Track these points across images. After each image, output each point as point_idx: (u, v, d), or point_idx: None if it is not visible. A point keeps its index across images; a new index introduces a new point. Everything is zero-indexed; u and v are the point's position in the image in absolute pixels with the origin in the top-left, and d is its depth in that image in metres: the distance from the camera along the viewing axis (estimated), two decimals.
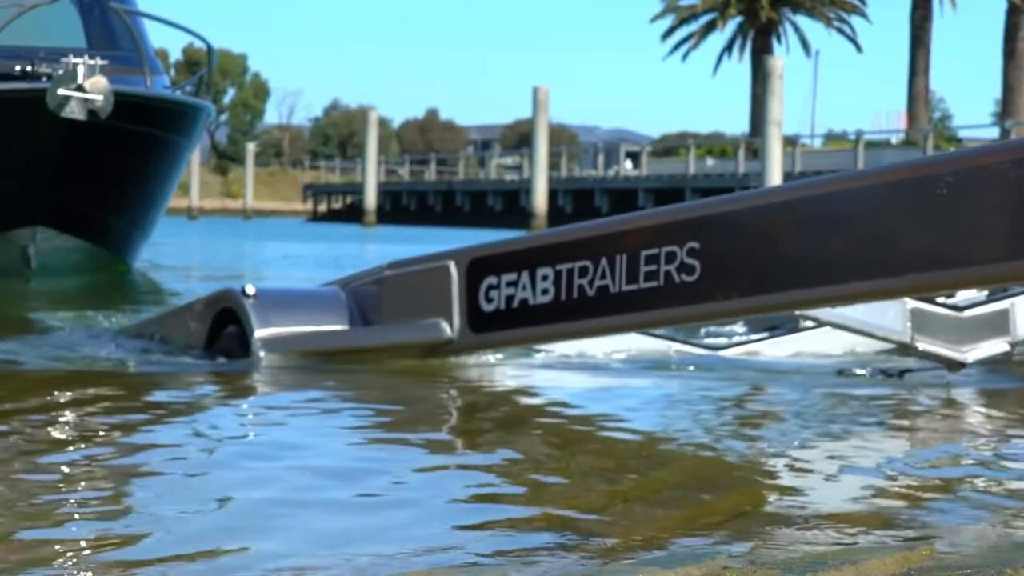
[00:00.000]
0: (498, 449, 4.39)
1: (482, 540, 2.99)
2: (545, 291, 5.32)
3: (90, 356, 6.74)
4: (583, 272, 5.18)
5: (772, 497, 3.60)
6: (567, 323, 5.30)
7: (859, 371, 6.45)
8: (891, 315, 5.96)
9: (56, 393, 5.43)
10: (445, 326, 5.79)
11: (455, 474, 3.92)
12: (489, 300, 5.58)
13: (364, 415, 5.05)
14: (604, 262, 5.09)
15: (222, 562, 2.77)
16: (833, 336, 6.88)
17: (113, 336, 7.68)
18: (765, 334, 7.08)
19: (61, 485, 3.59)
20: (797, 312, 5.95)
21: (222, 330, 6.46)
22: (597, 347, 6.73)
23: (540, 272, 5.34)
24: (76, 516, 3.20)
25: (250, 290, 6.27)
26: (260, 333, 6.17)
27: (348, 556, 2.81)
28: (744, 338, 7.20)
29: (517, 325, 5.48)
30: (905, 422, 5.26)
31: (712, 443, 4.57)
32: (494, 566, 2.72)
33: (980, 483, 3.83)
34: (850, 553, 2.76)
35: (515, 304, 5.46)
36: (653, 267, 4.91)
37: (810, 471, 4.04)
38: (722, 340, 7.20)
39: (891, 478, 3.93)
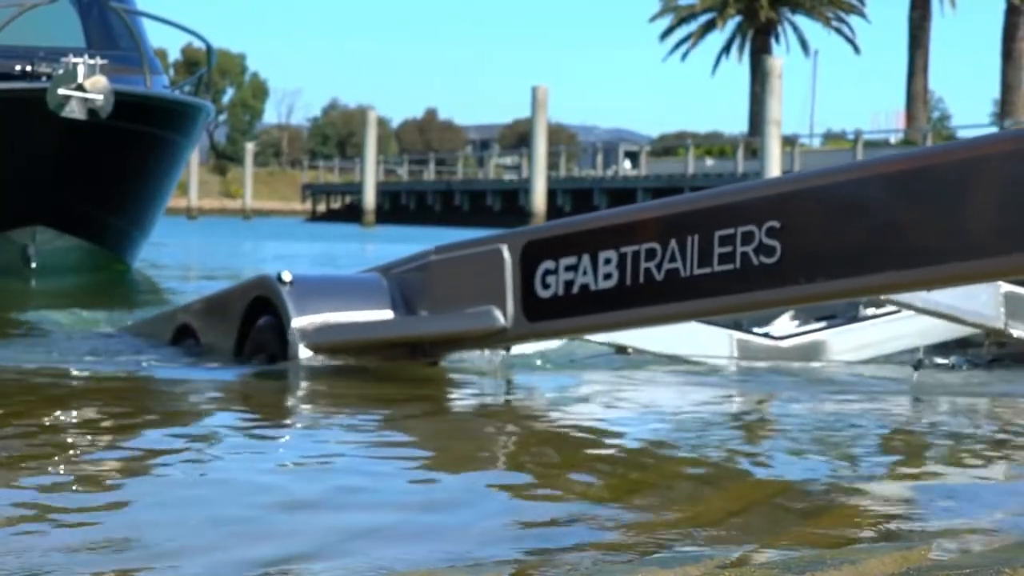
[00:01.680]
0: (494, 448, 4.39)
1: (480, 540, 2.99)
2: (608, 276, 4.97)
3: (113, 360, 6.53)
4: (650, 255, 4.83)
5: (771, 497, 3.60)
6: (632, 310, 4.96)
7: (941, 360, 6.24)
8: (983, 299, 5.66)
9: (69, 408, 5.17)
10: (498, 314, 5.39)
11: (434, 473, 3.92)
12: (546, 286, 5.21)
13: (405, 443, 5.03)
14: (673, 244, 4.74)
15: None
16: (900, 324, 6.59)
17: (134, 336, 7.45)
18: (822, 323, 6.76)
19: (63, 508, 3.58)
20: (883, 297, 5.64)
21: (255, 321, 6.16)
22: (652, 338, 6.33)
23: (602, 255, 4.99)
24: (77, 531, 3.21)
25: (286, 276, 5.91)
26: (298, 322, 5.83)
27: (345, 556, 2.81)
28: (808, 328, 6.82)
29: (576, 313, 5.12)
30: (905, 422, 5.26)
31: (712, 442, 4.57)
32: (491, 566, 2.72)
33: (980, 482, 3.84)
34: (849, 553, 2.76)
35: (575, 290, 5.09)
36: (728, 248, 4.58)
37: (809, 471, 4.03)
38: (785, 329, 6.85)
39: (890, 478, 3.93)
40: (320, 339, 5.80)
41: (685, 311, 4.89)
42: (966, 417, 5.34)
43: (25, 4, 15.48)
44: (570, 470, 3.99)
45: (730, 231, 4.57)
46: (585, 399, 5.65)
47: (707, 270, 4.65)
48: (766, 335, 6.67)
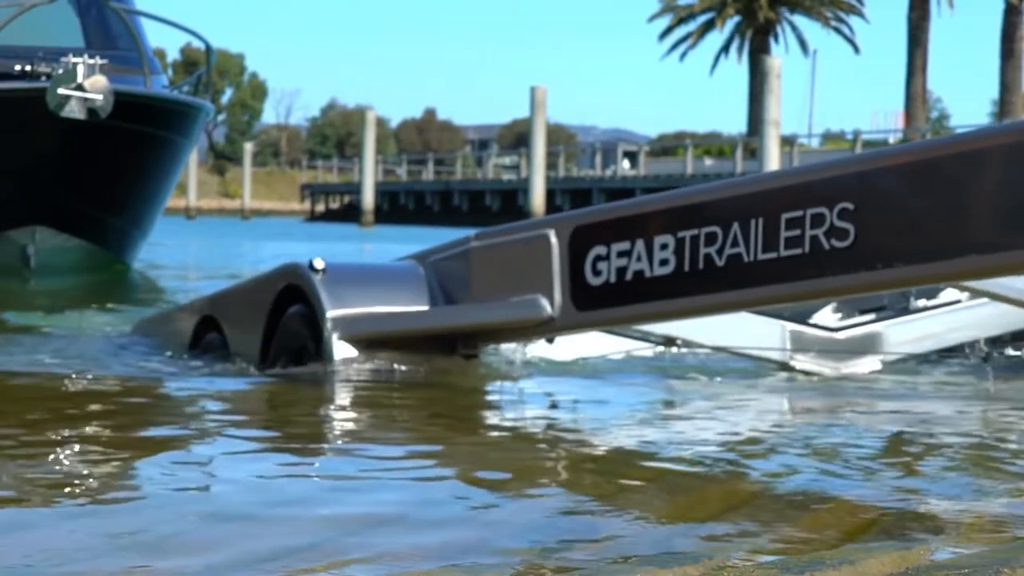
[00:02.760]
0: (490, 448, 4.39)
1: (478, 540, 2.99)
2: (664, 262, 4.69)
3: (135, 365, 6.37)
4: (710, 239, 4.55)
5: (770, 496, 3.60)
6: (690, 298, 4.68)
7: (1014, 352, 6.09)
8: None
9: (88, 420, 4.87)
10: (544, 303, 5.10)
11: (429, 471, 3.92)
12: (597, 273, 4.92)
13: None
14: (736, 228, 4.47)
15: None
16: (960, 315, 6.39)
17: (153, 330, 7.26)
18: (871, 315, 6.52)
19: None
20: (963, 284, 5.35)
21: (284, 311, 5.86)
22: (702, 329, 6.04)
23: (658, 240, 4.71)
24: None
25: (318, 264, 5.62)
26: (333, 313, 5.53)
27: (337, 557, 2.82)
28: (863, 319, 6.55)
29: (630, 301, 4.84)
30: (905, 420, 5.25)
31: (712, 443, 4.57)
32: (490, 565, 2.72)
33: (979, 481, 3.84)
34: (848, 552, 2.76)
35: (628, 277, 4.80)
36: (796, 232, 4.31)
37: (809, 470, 4.03)
38: (829, 320, 6.60)
39: (890, 477, 3.94)
40: (356, 330, 5.54)
41: (748, 299, 4.63)
42: (962, 415, 5.34)
43: (24, 4, 15.48)
44: (566, 468, 3.99)
45: (798, 213, 4.32)
46: (577, 400, 5.61)
47: (772, 255, 4.40)
48: (820, 326, 6.43)
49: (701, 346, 6.29)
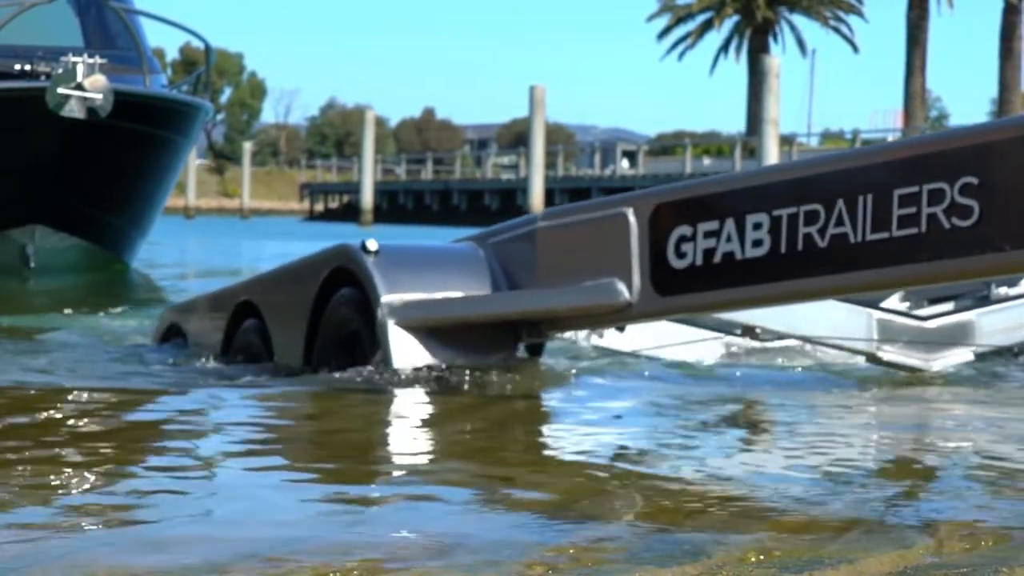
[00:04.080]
0: (486, 448, 4.39)
1: (477, 539, 2.99)
2: (758, 243, 4.33)
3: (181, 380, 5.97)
4: (811, 218, 4.19)
5: (769, 495, 3.60)
6: (787, 282, 4.31)
7: None
8: None
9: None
10: (621, 287, 4.71)
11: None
12: (681, 255, 4.54)
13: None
14: (841, 205, 4.11)
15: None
16: None
17: (184, 320, 6.95)
18: (950, 304, 6.19)
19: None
20: None
21: (332, 295, 5.50)
22: (784, 318, 5.69)
23: (751, 219, 4.34)
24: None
25: (371, 245, 5.27)
26: (388, 298, 5.16)
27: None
28: (947, 307, 6.21)
29: (718, 285, 4.47)
30: (903, 421, 5.25)
31: (712, 442, 4.56)
32: (489, 564, 2.72)
33: (978, 481, 3.83)
34: (847, 552, 2.76)
35: (716, 259, 4.43)
36: (911, 210, 3.95)
37: (808, 470, 4.03)
38: (933, 309, 6.23)
39: (888, 477, 3.94)
40: (413, 316, 5.17)
41: (853, 283, 4.25)
42: (962, 414, 5.33)
43: (24, 3, 15.49)
44: (564, 467, 3.99)
45: (913, 189, 3.96)
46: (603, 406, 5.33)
47: (883, 235, 4.03)
48: (910, 314, 6.08)
49: (783, 336, 6.02)
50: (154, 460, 4.04)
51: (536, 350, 5.48)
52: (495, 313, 5.21)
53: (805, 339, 6.06)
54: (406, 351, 5.17)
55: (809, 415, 5.24)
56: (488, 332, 5.26)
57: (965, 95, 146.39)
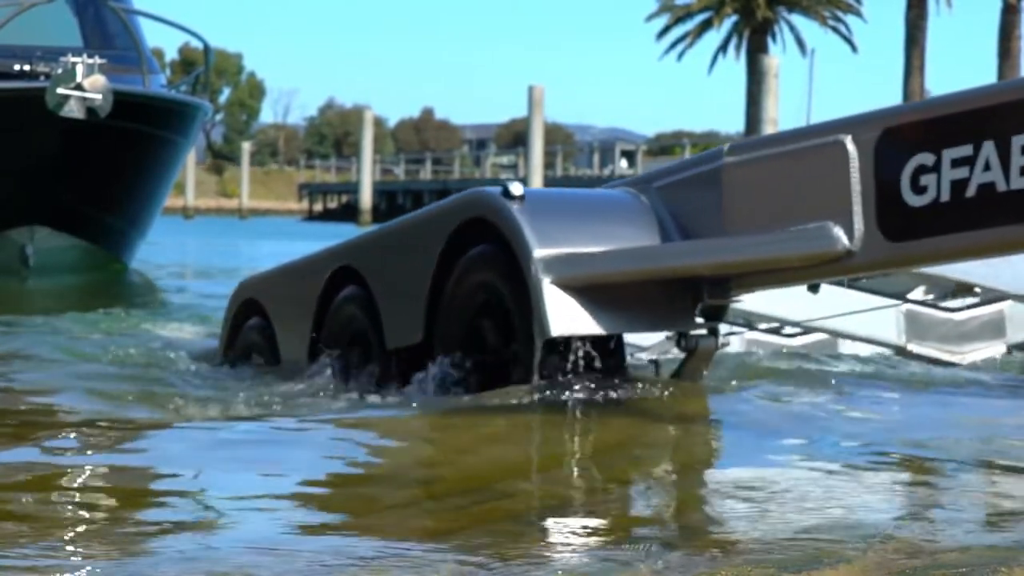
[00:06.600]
0: (485, 448, 4.38)
1: (475, 540, 2.99)
2: None
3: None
4: None
5: (768, 495, 3.60)
6: None
7: None
8: None
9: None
10: (838, 232, 3.92)
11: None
12: (920, 190, 3.75)
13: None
14: None
15: None
16: None
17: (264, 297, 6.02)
18: (975, 298, 5.91)
19: None
20: None
21: (462, 254, 4.66)
22: (801, 310, 5.26)
23: (1018, 141, 3.55)
24: None
25: (516, 190, 4.42)
26: (542, 252, 4.31)
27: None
28: (985, 298, 5.88)
29: (973, 225, 3.67)
30: (904, 419, 5.23)
31: (711, 441, 4.55)
32: (486, 559, 2.72)
33: (978, 481, 3.83)
34: (846, 552, 2.77)
35: (970, 193, 3.64)
36: None
37: (808, 469, 4.02)
38: (962, 301, 5.94)
39: (888, 477, 3.93)
40: (572, 273, 4.31)
41: None
42: (960, 413, 5.31)
43: (23, 3, 15.50)
44: (563, 466, 3.98)
45: None
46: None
47: None
48: (939, 306, 5.81)
49: (810, 329, 5.66)
50: None
51: (715, 315, 4.53)
52: (676, 267, 4.33)
53: (834, 333, 5.78)
54: (565, 316, 4.30)
55: (812, 409, 5.22)
56: (662, 293, 4.40)
57: None
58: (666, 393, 4.50)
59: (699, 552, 2.80)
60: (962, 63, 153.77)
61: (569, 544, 2.98)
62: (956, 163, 3.68)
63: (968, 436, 4.47)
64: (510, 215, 4.39)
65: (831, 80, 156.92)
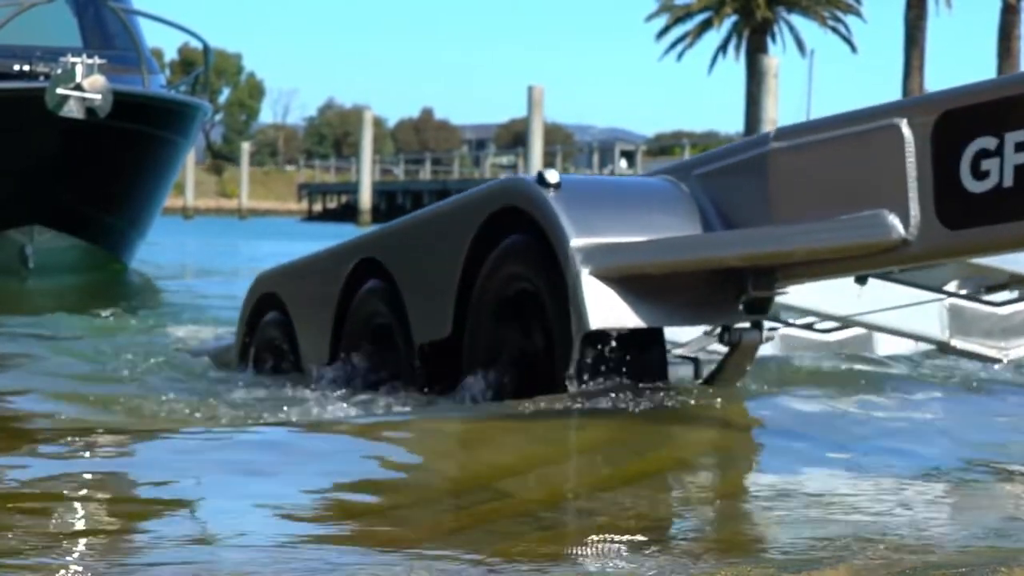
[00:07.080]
0: (483, 448, 4.38)
1: (476, 539, 2.99)
2: None
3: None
4: None
5: (767, 496, 3.60)
6: None
7: None
8: None
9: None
10: (893, 220, 3.75)
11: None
12: (981, 175, 3.58)
13: None
14: None
15: None
16: None
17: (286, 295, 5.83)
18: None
19: None
20: None
21: (493, 246, 4.47)
22: (840, 304, 5.03)
23: None
24: None
25: (551, 177, 4.26)
26: (579, 241, 4.14)
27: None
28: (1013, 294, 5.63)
29: None
30: (903, 419, 5.23)
31: (712, 441, 4.55)
32: (484, 559, 2.72)
33: (978, 481, 3.83)
34: (846, 552, 2.77)
35: None
36: None
37: (807, 469, 4.02)
38: (1005, 295, 5.69)
39: (887, 476, 3.94)
40: (612, 263, 4.14)
41: None
42: (959, 413, 5.30)
43: (23, 3, 15.51)
44: (562, 465, 3.99)
45: None
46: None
47: None
48: (983, 300, 5.59)
49: (849, 323, 5.48)
50: None
51: (760, 307, 4.33)
52: (721, 257, 4.17)
53: (875, 328, 5.53)
54: (604, 308, 4.13)
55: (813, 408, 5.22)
56: (704, 285, 4.24)
57: None
58: (703, 396, 4.37)
59: (699, 552, 2.81)
60: (962, 63, 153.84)
61: (569, 544, 2.98)
62: (1020, 147, 3.50)
63: (987, 439, 4.46)
64: (545, 203, 4.22)
65: (831, 80, 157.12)
